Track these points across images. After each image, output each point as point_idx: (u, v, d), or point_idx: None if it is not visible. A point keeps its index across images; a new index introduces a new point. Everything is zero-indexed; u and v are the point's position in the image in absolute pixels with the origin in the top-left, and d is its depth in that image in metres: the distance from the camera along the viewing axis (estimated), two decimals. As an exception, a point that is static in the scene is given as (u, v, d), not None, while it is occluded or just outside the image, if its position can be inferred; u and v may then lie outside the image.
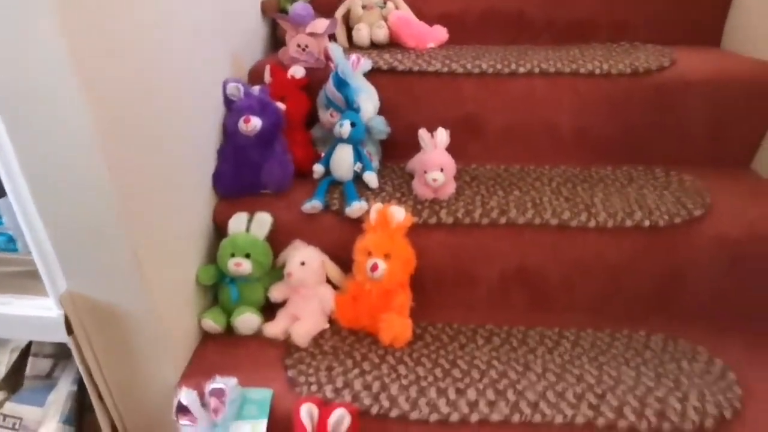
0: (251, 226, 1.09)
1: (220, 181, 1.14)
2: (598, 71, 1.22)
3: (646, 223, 1.04)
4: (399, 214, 1.05)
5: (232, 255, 1.05)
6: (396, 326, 1.03)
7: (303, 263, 1.06)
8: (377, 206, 1.06)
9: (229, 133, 1.14)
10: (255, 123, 1.10)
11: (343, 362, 0.99)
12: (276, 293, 1.09)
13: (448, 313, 1.11)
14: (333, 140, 1.19)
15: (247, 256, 1.05)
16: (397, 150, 1.26)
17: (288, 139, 1.20)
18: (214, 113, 1.14)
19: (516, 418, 0.88)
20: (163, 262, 0.94)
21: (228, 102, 1.16)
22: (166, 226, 0.95)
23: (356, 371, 0.97)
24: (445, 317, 1.10)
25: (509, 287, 1.12)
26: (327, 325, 1.08)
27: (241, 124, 1.10)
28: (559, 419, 0.87)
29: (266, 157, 1.14)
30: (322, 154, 1.21)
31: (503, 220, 1.07)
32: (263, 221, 1.09)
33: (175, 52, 0.97)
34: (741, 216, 1.07)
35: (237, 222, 1.09)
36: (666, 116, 1.24)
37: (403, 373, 0.97)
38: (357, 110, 1.17)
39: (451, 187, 1.14)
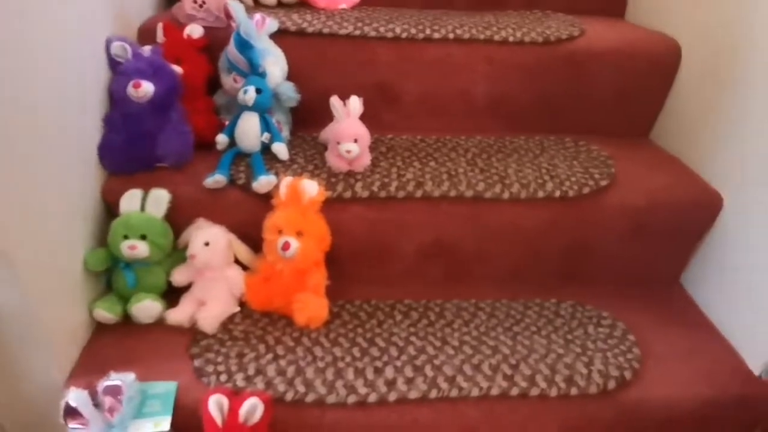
0: (146, 204, 0.98)
1: (107, 154, 1.01)
2: (511, 39, 1.21)
3: (557, 193, 1.06)
4: (311, 188, 0.99)
5: (126, 237, 0.95)
6: (311, 306, 0.98)
7: (207, 243, 0.98)
8: (288, 180, 1.00)
9: (117, 99, 1.01)
10: (146, 88, 0.98)
11: (255, 347, 0.94)
12: (178, 277, 1.01)
13: (365, 289, 1.08)
14: (238, 108, 1.09)
15: (143, 237, 0.96)
16: (309, 118, 1.18)
17: (187, 106, 1.08)
18: (98, 76, 1.00)
19: (434, 394, 0.87)
20: (38, 249, 0.82)
21: (114, 64, 1.03)
22: (40, 208, 0.83)
23: (269, 356, 0.92)
24: (362, 294, 1.07)
25: (426, 260, 1.10)
26: (237, 309, 1.02)
27: (131, 89, 0.98)
28: (475, 392, 0.88)
29: (162, 126, 1.03)
30: (226, 123, 1.11)
31: (419, 193, 1.04)
32: (160, 198, 0.99)
33: (40, 2, 0.82)
34: (642, 185, 1.11)
35: (130, 200, 0.98)
36: (575, 86, 1.26)
37: (319, 355, 0.93)
38: (263, 75, 1.08)
39: (366, 159, 1.09)
